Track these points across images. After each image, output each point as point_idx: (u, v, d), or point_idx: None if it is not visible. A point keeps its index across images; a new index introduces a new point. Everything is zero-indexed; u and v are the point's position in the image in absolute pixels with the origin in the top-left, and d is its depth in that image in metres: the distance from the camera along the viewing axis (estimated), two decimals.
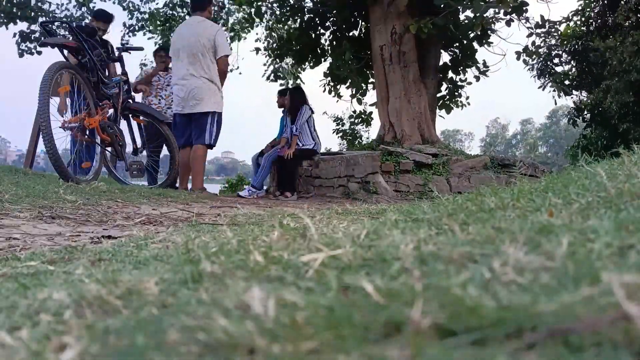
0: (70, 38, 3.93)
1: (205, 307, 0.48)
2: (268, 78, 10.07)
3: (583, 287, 0.41)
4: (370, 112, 10.18)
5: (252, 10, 9.53)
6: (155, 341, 0.40)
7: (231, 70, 11.03)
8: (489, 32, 7.53)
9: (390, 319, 0.40)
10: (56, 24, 8.99)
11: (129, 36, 11.45)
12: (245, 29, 11.17)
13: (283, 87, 8.94)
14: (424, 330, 0.38)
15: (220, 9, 11.37)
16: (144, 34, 11.57)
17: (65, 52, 3.81)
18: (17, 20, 9.21)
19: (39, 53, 9.82)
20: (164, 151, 5.21)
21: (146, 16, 11.42)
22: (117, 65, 4.64)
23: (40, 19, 9.43)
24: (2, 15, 9.03)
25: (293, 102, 5.74)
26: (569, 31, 11.52)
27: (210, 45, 4.72)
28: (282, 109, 6.49)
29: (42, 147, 3.68)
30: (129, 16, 11.48)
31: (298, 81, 10.13)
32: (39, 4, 9.62)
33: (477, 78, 8.22)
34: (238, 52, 11.68)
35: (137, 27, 11.52)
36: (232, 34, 11.39)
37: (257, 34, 10.47)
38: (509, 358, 0.33)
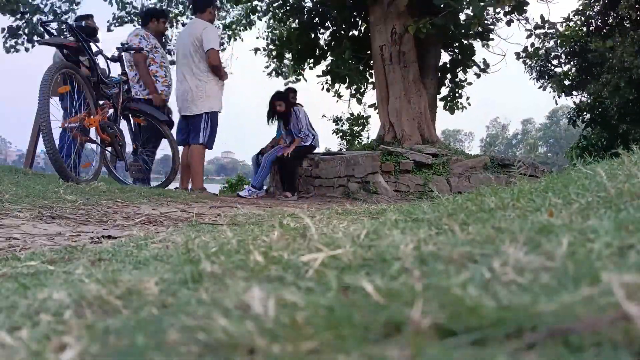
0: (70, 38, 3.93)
1: (205, 307, 0.48)
2: (270, 74, 10.07)
3: (583, 287, 0.40)
4: (369, 116, 10.14)
5: (249, 8, 9.53)
6: (155, 341, 0.40)
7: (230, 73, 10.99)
8: (488, 31, 7.54)
9: (390, 319, 0.40)
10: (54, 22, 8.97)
11: (115, 26, 11.21)
12: (243, 27, 11.12)
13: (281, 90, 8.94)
14: (424, 330, 0.38)
15: (217, 9, 11.31)
16: (134, 26, 11.45)
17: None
18: (8, 14, 9.06)
19: (27, 50, 9.70)
20: (165, 151, 5.22)
21: (137, 10, 11.26)
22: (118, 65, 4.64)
23: (27, 15, 9.34)
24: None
25: (285, 107, 5.66)
26: (567, 32, 11.52)
27: (199, 43, 4.71)
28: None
29: (42, 147, 3.68)
30: (120, 9, 11.29)
31: (299, 78, 10.13)
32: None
33: (478, 75, 8.22)
34: (232, 52, 11.64)
35: (126, 20, 11.30)
36: (229, 32, 11.35)
37: (258, 30, 10.43)
38: (509, 358, 0.33)
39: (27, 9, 9.23)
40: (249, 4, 9.11)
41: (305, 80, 9.89)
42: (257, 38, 10.37)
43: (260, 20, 10.14)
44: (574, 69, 12.39)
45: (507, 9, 6.32)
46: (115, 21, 11.18)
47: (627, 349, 0.32)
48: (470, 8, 6.17)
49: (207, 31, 4.78)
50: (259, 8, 9.50)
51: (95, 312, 0.54)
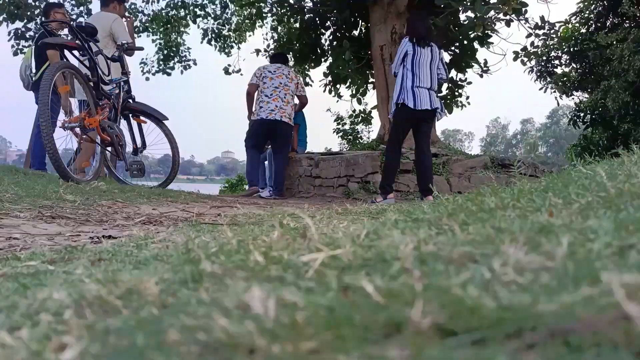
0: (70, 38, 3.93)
1: (205, 307, 0.48)
2: None
3: (583, 287, 0.40)
4: (370, 111, 10.22)
5: (254, 10, 9.56)
6: (155, 341, 0.40)
7: (233, 72, 11.05)
8: (489, 32, 7.53)
9: (390, 319, 0.40)
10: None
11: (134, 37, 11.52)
12: (248, 30, 11.20)
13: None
14: (424, 330, 0.38)
15: (223, 9, 11.43)
16: (148, 35, 11.65)
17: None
18: (17, 20, 9.19)
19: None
20: (165, 151, 5.22)
21: (149, 18, 11.47)
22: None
23: (38, 19, 9.39)
24: (5, 15, 9.03)
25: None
26: (567, 33, 11.51)
27: (109, 38, 4.83)
28: None
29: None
30: (133, 18, 11.55)
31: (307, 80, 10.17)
32: (36, 2, 9.59)
33: (481, 75, 8.23)
34: (239, 53, 11.70)
35: (140, 29, 11.56)
36: (236, 33, 11.43)
37: (263, 35, 10.48)
38: (509, 358, 0.33)
39: (38, 16, 9.27)
40: (253, 6, 9.15)
41: (312, 82, 9.91)
42: (264, 40, 10.41)
43: (262, 21, 10.17)
44: (574, 72, 12.39)
45: (509, 12, 6.32)
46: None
47: (627, 349, 0.32)
48: (474, 9, 6.16)
49: (117, 24, 4.90)
50: (264, 11, 9.54)
51: (95, 312, 0.54)
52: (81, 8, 10.41)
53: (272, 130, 5.64)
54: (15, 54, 9.74)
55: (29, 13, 9.29)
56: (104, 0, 5.23)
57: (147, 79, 11.74)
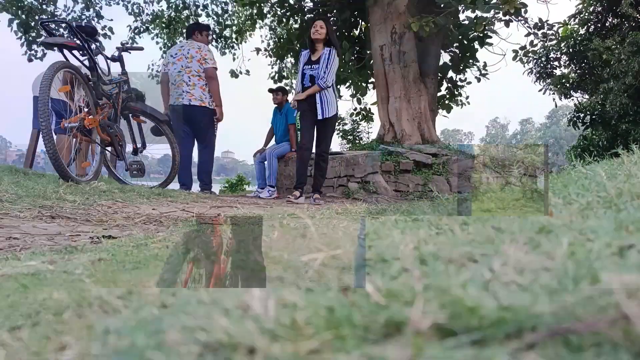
0: (70, 37, 3.93)
1: (205, 307, 0.48)
2: (273, 78, 10.07)
3: (583, 287, 0.40)
4: (370, 109, 10.27)
5: (254, 10, 9.58)
6: (155, 341, 0.40)
7: (241, 73, 11.07)
8: (488, 32, 7.54)
9: (390, 319, 0.40)
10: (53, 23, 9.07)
11: (135, 38, 11.55)
12: (249, 29, 11.23)
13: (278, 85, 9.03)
14: (424, 330, 0.38)
15: (224, 10, 11.47)
16: (152, 38, 11.69)
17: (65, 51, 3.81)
18: (31, 30, 9.35)
19: (45, 55, 9.96)
20: (165, 151, 5.22)
21: (150, 18, 11.50)
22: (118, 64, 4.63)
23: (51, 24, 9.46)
24: (22, 28, 9.19)
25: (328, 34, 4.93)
26: (566, 32, 11.51)
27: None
28: (276, 106, 6.66)
29: (42, 147, 3.68)
30: (134, 19, 11.58)
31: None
32: (44, 6, 9.66)
33: (478, 79, 8.25)
34: (243, 53, 11.79)
35: (142, 29, 11.59)
36: (237, 33, 11.47)
37: (261, 35, 10.52)
38: (509, 358, 0.33)
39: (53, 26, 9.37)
40: (255, 6, 9.17)
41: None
42: (262, 42, 10.42)
43: (262, 20, 10.20)
44: (573, 74, 12.39)
45: (511, 11, 6.33)
46: (133, 33, 11.46)
47: (627, 349, 0.32)
48: (476, 8, 6.16)
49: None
50: (264, 11, 9.56)
51: (95, 312, 0.54)
52: (90, 11, 10.47)
53: (186, 117, 5.29)
54: (29, 60, 9.92)
55: (37, 17, 9.39)
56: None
57: (157, 82, 11.79)
